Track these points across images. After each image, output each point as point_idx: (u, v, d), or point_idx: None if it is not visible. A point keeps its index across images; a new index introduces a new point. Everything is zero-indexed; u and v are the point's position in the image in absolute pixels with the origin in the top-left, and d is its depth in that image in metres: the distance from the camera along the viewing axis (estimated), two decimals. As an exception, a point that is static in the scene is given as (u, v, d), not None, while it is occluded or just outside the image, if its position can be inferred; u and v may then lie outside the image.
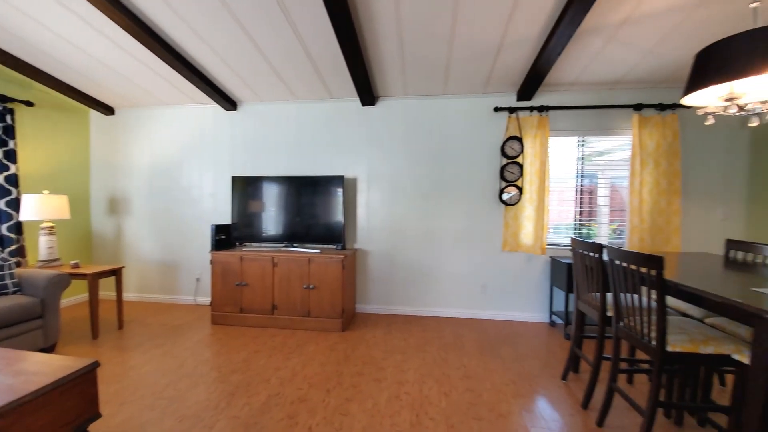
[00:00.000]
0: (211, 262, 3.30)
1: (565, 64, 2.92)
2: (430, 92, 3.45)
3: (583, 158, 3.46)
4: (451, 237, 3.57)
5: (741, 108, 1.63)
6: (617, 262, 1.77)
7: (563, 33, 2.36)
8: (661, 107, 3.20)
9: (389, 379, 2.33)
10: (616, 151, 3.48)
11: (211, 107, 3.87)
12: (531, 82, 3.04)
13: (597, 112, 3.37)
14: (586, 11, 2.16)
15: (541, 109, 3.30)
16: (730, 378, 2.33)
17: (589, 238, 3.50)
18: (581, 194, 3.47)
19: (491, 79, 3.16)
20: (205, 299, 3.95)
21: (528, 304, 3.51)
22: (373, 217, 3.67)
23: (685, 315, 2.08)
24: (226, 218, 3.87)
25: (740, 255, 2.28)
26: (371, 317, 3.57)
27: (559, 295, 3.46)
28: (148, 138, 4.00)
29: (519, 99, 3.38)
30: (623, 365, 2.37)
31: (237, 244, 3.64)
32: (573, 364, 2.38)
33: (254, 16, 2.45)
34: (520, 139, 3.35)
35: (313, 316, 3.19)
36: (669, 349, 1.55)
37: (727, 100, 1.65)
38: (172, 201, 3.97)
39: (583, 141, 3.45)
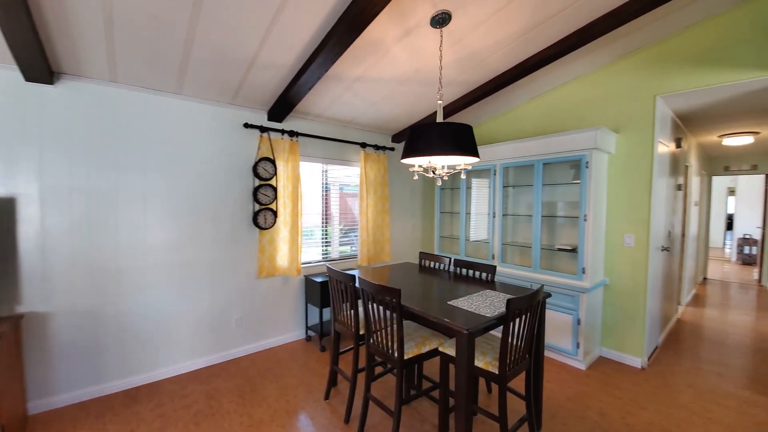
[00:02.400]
0: None
1: (315, 97, 3.13)
2: (158, 86, 2.67)
3: (327, 184, 3.88)
4: (195, 270, 2.97)
5: (433, 171, 2.35)
6: (366, 289, 2.07)
7: (314, 72, 2.49)
8: (376, 147, 4.11)
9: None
10: (352, 177, 4.15)
11: None
12: (282, 106, 3.03)
13: (337, 144, 3.87)
14: (333, 61, 2.37)
15: (293, 133, 3.38)
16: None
17: (328, 239, 3.98)
18: (326, 206, 3.87)
19: (241, 91, 2.88)
20: None
21: (285, 325, 3.53)
22: (55, 255, 2.41)
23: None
24: None
25: (428, 263, 3.30)
26: (65, 414, 2.35)
27: (314, 310, 3.72)
28: None
29: (270, 119, 3.30)
30: (378, 369, 2.85)
31: None
32: (333, 379, 2.60)
33: None
34: (273, 161, 3.28)
35: None
36: (405, 357, 1.98)
37: (424, 166, 2.33)
38: None
39: (327, 169, 3.86)
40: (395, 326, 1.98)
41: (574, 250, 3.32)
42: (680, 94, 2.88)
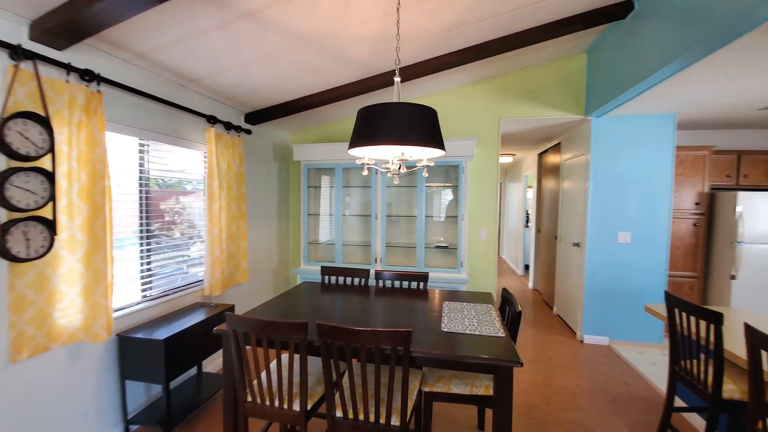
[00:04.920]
0: None
1: (156, 20, 1.78)
2: None
3: (148, 173, 2.37)
4: None
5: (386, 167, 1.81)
6: (334, 341, 1.32)
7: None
8: (230, 126, 2.93)
9: None
10: (193, 166, 2.75)
11: None
12: (74, 17, 1.54)
13: (168, 112, 2.44)
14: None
15: (90, 76, 1.81)
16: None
17: (150, 265, 2.50)
18: (147, 206, 2.37)
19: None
20: None
21: (81, 427, 1.88)
22: None
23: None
24: None
25: (335, 280, 2.62)
26: None
27: (137, 387, 2.18)
28: None
29: (39, 39, 1.62)
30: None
31: None
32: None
33: None
34: (45, 122, 1.62)
35: None
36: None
37: (376, 159, 1.75)
38: None
39: (148, 149, 2.36)
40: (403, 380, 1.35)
41: (446, 247, 3.58)
42: (515, 119, 3.64)
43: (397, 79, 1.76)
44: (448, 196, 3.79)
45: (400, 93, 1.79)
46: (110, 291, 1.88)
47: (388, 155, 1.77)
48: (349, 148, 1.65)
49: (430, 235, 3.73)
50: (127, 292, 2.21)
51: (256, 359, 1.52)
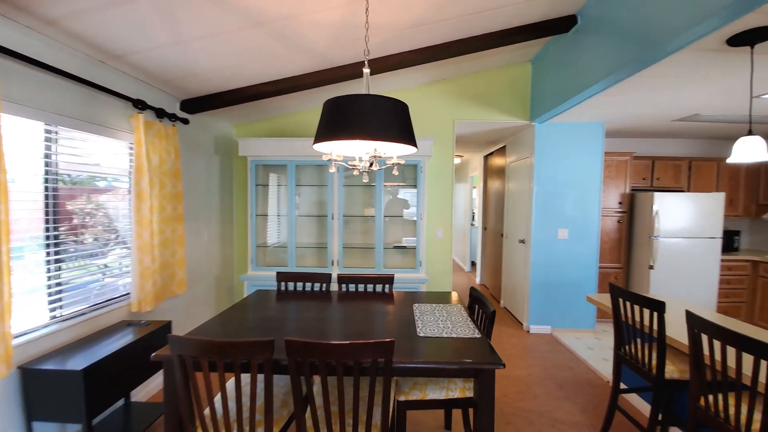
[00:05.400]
0: None
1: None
2: None
3: (57, 167, 1.94)
4: None
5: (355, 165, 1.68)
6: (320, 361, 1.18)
7: None
8: (162, 114, 2.55)
9: None
10: (117, 159, 2.32)
11: None
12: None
13: (85, 92, 2.02)
14: None
15: (-29, 40, 1.41)
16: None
17: (60, 280, 2.07)
18: (54, 205, 1.94)
19: None
20: None
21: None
22: None
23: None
24: None
25: (290, 285, 2.41)
26: None
27: (49, 429, 1.76)
28: None
29: None
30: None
31: None
32: None
33: None
34: None
35: None
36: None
37: (343, 156, 1.62)
38: None
39: (56, 137, 1.93)
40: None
41: (405, 247, 3.57)
42: (468, 122, 3.74)
43: (366, 70, 1.65)
44: (404, 195, 3.76)
45: (369, 85, 1.67)
46: (8, 313, 1.48)
47: (359, 151, 1.65)
48: (315, 143, 1.50)
49: (387, 236, 3.67)
50: (32, 313, 1.78)
51: (208, 385, 1.30)
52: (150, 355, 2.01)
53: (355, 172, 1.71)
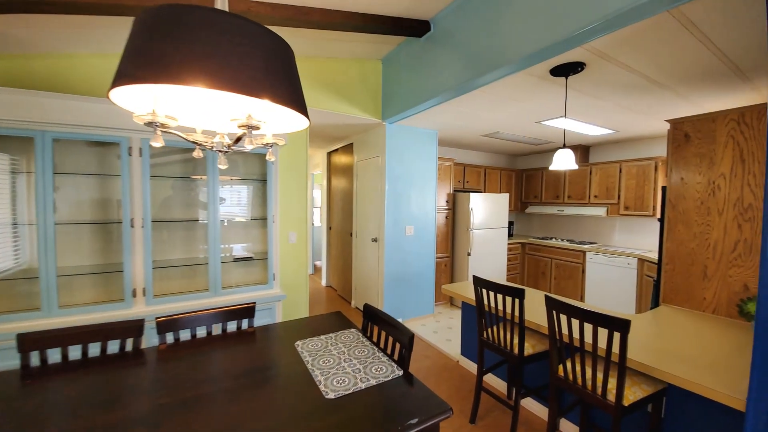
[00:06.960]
0: None
1: None
2: None
3: None
4: None
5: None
6: None
7: None
8: None
9: None
10: None
11: None
12: None
13: None
14: None
15: None
16: None
17: None
18: None
19: None
20: None
21: None
22: None
23: None
24: None
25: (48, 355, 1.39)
26: None
27: None
28: None
29: None
30: None
31: None
32: None
33: None
34: None
35: None
36: None
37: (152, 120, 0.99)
38: None
39: None
40: None
41: (250, 258, 2.92)
42: (323, 111, 3.41)
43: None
44: (244, 192, 3.06)
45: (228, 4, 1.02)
46: None
47: (215, 115, 1.05)
48: (117, 85, 0.81)
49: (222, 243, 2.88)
50: None
51: None
52: None
53: (214, 149, 1.10)
